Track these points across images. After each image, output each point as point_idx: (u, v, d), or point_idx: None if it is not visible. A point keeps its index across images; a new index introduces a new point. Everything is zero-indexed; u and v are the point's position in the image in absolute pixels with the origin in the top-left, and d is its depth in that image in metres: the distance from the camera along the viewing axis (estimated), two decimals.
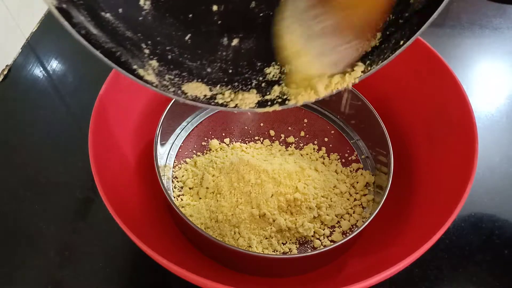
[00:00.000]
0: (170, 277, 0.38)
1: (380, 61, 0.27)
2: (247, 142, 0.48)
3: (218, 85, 0.29)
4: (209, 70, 0.29)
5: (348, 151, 0.46)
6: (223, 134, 0.48)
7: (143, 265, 0.39)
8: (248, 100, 0.29)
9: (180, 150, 0.45)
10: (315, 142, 0.47)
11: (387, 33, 0.27)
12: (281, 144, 0.48)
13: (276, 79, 0.30)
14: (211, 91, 0.29)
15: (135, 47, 0.26)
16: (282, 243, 0.39)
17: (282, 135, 0.48)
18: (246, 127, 0.49)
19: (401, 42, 0.26)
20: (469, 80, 0.58)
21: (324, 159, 0.46)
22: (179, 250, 0.37)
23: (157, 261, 0.28)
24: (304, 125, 0.49)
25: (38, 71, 0.57)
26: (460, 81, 0.39)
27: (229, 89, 0.29)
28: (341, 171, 0.45)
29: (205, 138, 0.47)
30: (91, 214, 0.43)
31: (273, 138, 0.48)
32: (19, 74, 0.57)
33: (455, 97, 0.39)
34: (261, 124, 0.49)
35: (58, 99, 0.54)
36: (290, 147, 0.47)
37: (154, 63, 0.27)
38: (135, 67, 0.25)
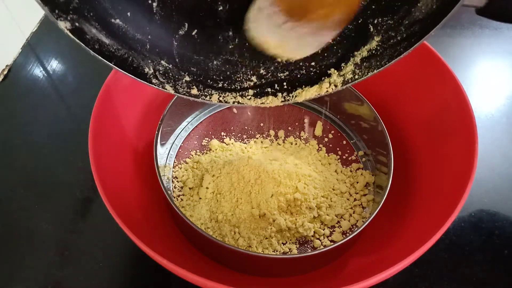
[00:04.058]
0: (170, 277, 0.38)
1: (377, 67, 0.27)
2: (247, 142, 0.48)
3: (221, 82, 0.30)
4: (215, 63, 0.29)
5: (348, 151, 0.46)
6: (223, 134, 0.48)
7: (143, 265, 0.39)
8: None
9: (180, 150, 0.45)
10: (315, 142, 0.47)
11: (386, 38, 0.27)
12: (281, 144, 0.48)
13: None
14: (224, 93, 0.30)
15: (144, 48, 0.26)
16: (282, 243, 0.39)
17: (282, 135, 0.48)
18: (246, 127, 0.49)
19: (400, 50, 0.26)
20: (469, 80, 0.58)
21: (324, 159, 0.46)
22: (179, 250, 0.37)
23: (157, 261, 0.28)
24: (304, 125, 0.49)
25: (38, 71, 0.57)
26: (460, 81, 0.39)
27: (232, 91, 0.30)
28: (341, 171, 0.45)
29: (205, 138, 0.47)
30: (91, 214, 0.43)
31: (273, 138, 0.48)
32: (19, 74, 0.57)
33: (455, 97, 0.39)
34: (261, 124, 0.49)
35: (58, 99, 0.54)
36: (290, 147, 0.47)
37: (164, 62, 0.27)
38: (146, 70, 0.26)
